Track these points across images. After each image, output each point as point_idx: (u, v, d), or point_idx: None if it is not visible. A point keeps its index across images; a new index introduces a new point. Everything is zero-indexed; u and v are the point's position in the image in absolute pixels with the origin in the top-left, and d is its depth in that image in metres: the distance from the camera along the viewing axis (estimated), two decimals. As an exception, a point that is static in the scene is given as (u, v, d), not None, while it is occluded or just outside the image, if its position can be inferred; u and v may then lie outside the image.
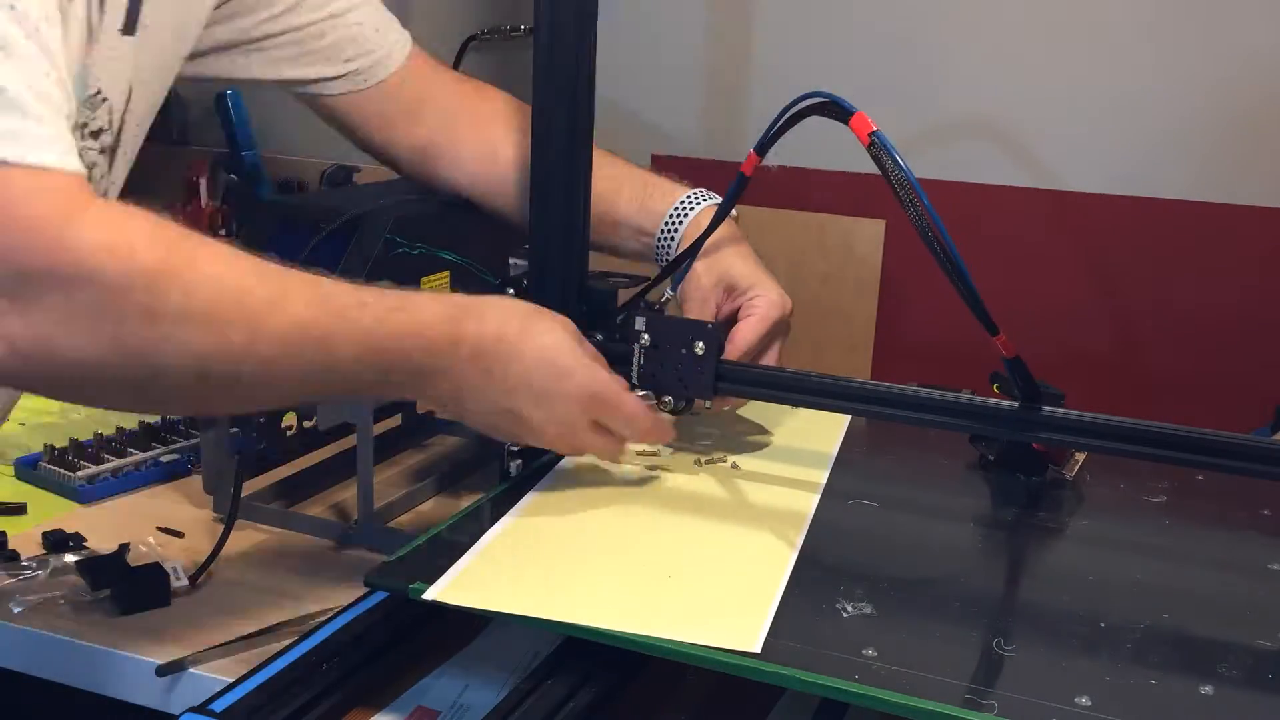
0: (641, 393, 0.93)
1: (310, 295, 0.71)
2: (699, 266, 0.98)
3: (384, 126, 1.09)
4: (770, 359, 0.99)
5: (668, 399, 0.94)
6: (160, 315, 0.64)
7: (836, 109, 0.81)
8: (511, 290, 0.99)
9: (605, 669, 0.74)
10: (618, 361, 0.93)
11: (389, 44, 1.08)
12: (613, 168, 1.06)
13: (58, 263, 0.61)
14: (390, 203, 1.10)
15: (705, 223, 0.97)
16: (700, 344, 0.91)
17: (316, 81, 1.05)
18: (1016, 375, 0.82)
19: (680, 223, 1.02)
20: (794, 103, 0.85)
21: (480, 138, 1.09)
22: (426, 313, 0.78)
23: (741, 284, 0.98)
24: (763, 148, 0.88)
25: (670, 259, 1.01)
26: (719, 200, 1.04)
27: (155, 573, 0.94)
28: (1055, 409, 0.84)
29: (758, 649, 0.68)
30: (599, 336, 0.98)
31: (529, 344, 0.82)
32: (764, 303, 0.97)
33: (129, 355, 0.65)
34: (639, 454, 0.98)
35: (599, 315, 0.99)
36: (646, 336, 0.93)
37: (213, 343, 0.67)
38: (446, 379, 0.79)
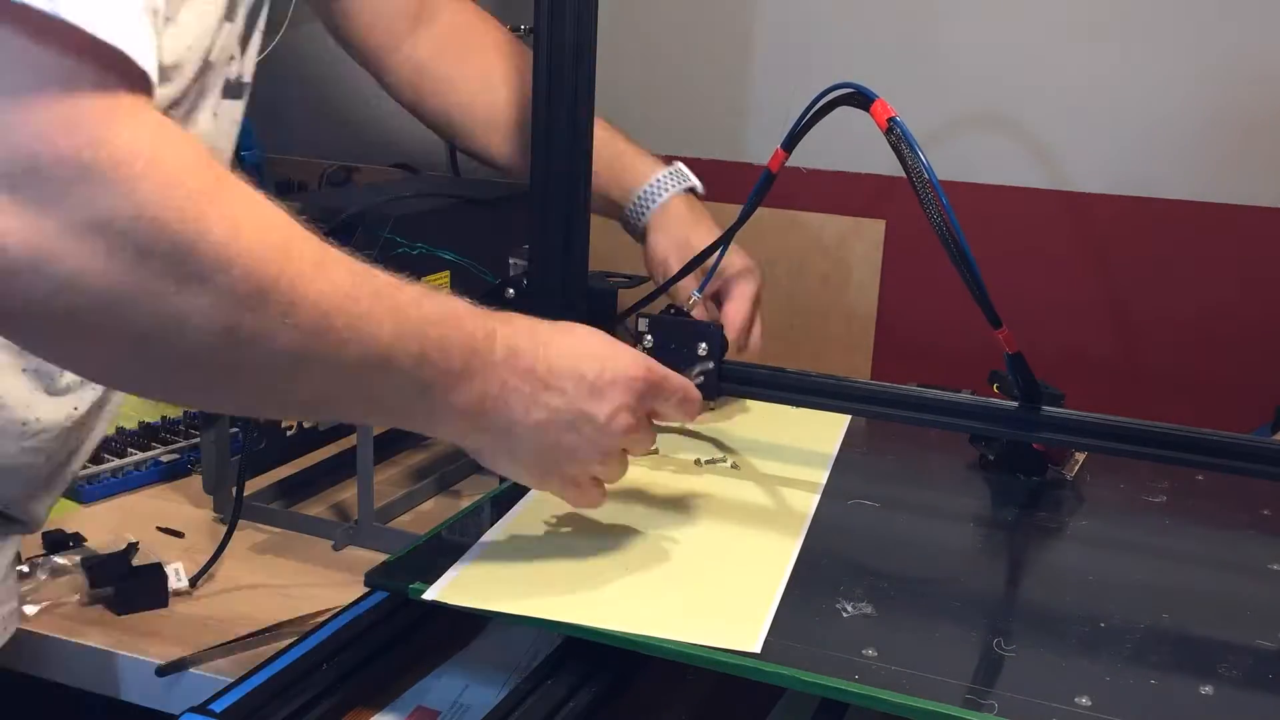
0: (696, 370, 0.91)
1: (350, 264, 0.62)
2: (669, 251, 0.98)
3: (387, 42, 1.05)
4: (757, 329, 1.03)
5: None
6: (197, 250, 0.53)
7: (860, 97, 0.82)
8: (511, 290, 0.99)
9: (605, 669, 0.74)
10: None
11: None
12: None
13: (90, 159, 0.50)
14: (390, 203, 1.11)
15: (675, 211, 0.98)
16: (703, 345, 0.91)
17: None
18: (1017, 372, 0.82)
19: (648, 208, 1.03)
20: (820, 96, 0.85)
21: (477, 67, 1.05)
22: (458, 301, 0.69)
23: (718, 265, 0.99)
24: (790, 143, 0.88)
25: (638, 234, 1.03)
26: (691, 183, 1.06)
27: (153, 573, 0.94)
28: (1055, 409, 0.84)
29: (758, 649, 0.68)
30: None
31: (565, 336, 0.73)
32: (742, 282, 1.00)
33: (146, 292, 0.52)
34: (639, 454, 0.98)
35: (599, 315, 0.99)
36: (650, 337, 0.93)
37: (251, 296, 0.55)
38: (488, 381, 0.69)
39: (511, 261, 1.03)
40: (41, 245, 0.50)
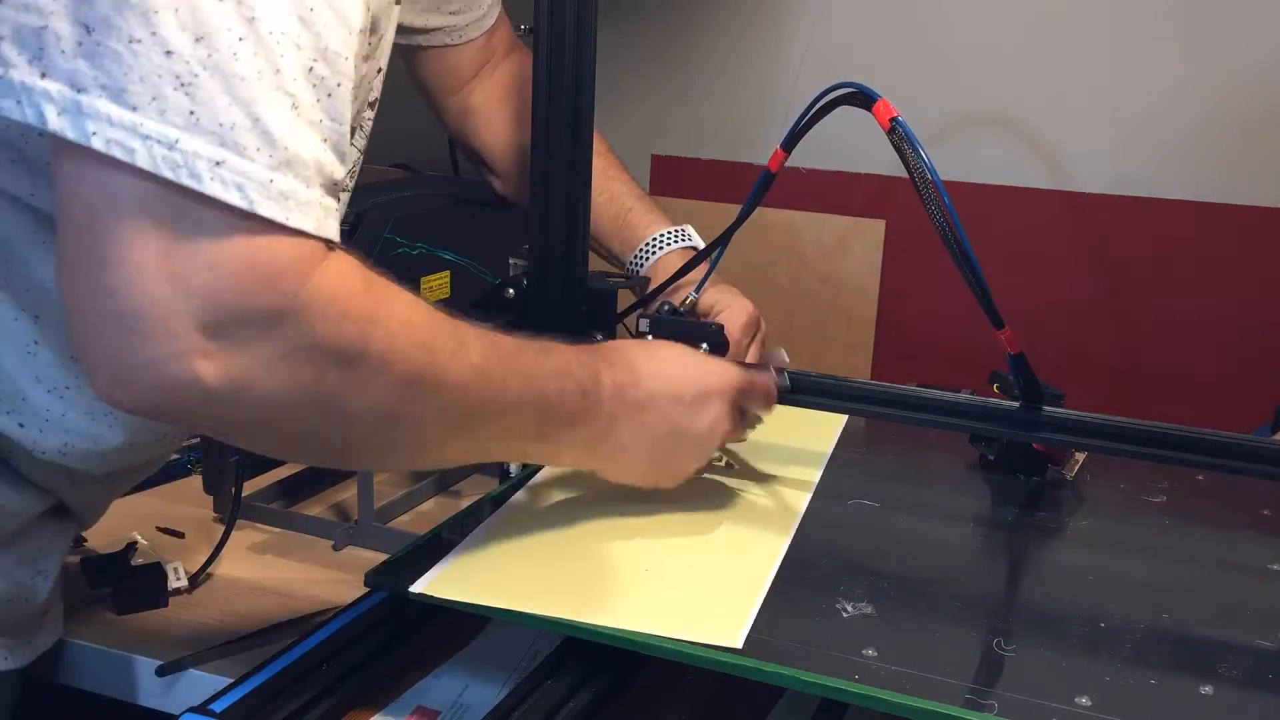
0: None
1: (482, 343, 0.71)
2: (682, 294, 1.00)
3: (451, 85, 1.10)
4: (752, 357, 1.03)
5: None
6: (362, 364, 0.62)
7: (862, 97, 0.82)
8: (511, 290, 0.99)
9: (605, 669, 0.74)
10: None
11: (488, 3, 1.08)
12: (610, 181, 1.08)
13: (281, 309, 0.58)
14: (390, 202, 1.10)
15: (673, 264, 1.00)
16: (704, 346, 0.91)
17: (421, 31, 1.04)
18: (1019, 372, 0.82)
19: (646, 260, 1.05)
20: (821, 95, 0.85)
21: (515, 109, 1.09)
22: (567, 352, 0.78)
23: (705, 306, 1.02)
24: (790, 143, 0.89)
25: (645, 279, 1.04)
26: (694, 243, 1.07)
27: (153, 573, 0.94)
28: (1056, 409, 0.84)
29: (739, 645, 0.68)
30: (599, 336, 0.98)
31: (658, 362, 0.82)
32: (729, 315, 1.01)
33: (323, 402, 0.62)
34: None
35: (599, 315, 0.99)
36: (650, 338, 0.93)
37: (405, 390, 0.65)
38: (599, 418, 0.78)
39: (511, 261, 1.04)
40: (239, 379, 0.58)
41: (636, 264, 1.06)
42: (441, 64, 1.08)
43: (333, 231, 0.60)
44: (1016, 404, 0.85)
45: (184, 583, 0.95)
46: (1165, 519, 0.92)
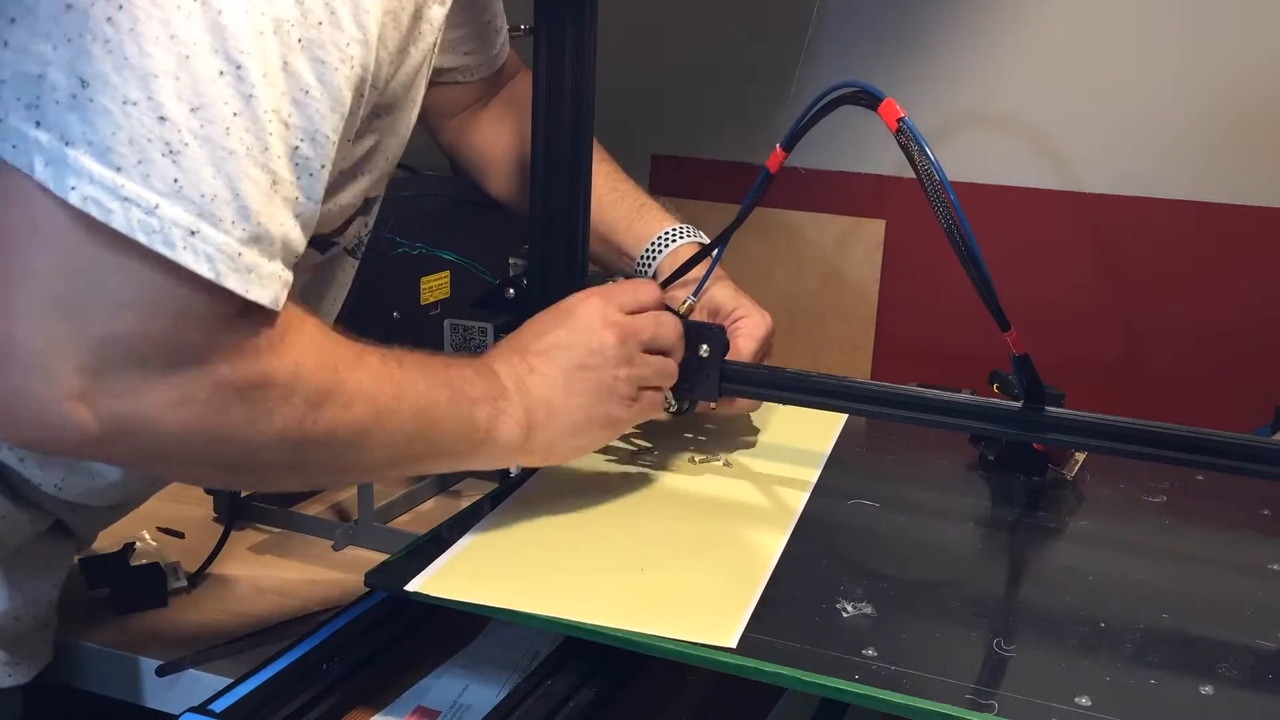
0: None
1: (417, 393, 0.72)
2: (682, 293, 0.99)
3: (454, 111, 1.09)
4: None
5: (671, 401, 0.94)
6: (311, 437, 0.65)
7: (867, 97, 0.81)
8: (511, 290, 0.99)
9: (605, 669, 0.74)
10: None
11: (500, 43, 1.08)
12: (618, 182, 1.08)
13: (244, 373, 0.61)
14: (390, 202, 1.10)
15: (683, 258, 0.99)
16: (705, 346, 0.91)
17: (436, 71, 1.03)
18: (1022, 373, 0.82)
19: (658, 254, 1.04)
20: (824, 94, 0.84)
21: (514, 123, 1.09)
22: (462, 364, 0.80)
23: (726, 307, 1.00)
24: (790, 143, 0.88)
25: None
26: (702, 239, 1.06)
27: (152, 573, 0.94)
28: (1057, 409, 0.84)
29: (733, 644, 0.68)
30: None
31: (526, 326, 0.84)
32: (750, 322, 0.99)
33: (227, 437, 0.63)
34: (634, 452, 0.98)
35: None
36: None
37: (353, 453, 0.69)
38: (509, 378, 0.79)
39: (511, 261, 1.04)
40: (126, 424, 0.59)
41: (647, 259, 1.05)
42: (449, 94, 1.07)
43: (280, 302, 0.61)
44: (1018, 404, 0.85)
45: (184, 583, 0.95)
46: (1165, 519, 0.92)
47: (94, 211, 0.54)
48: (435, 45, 0.75)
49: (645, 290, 0.88)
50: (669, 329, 0.88)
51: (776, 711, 0.75)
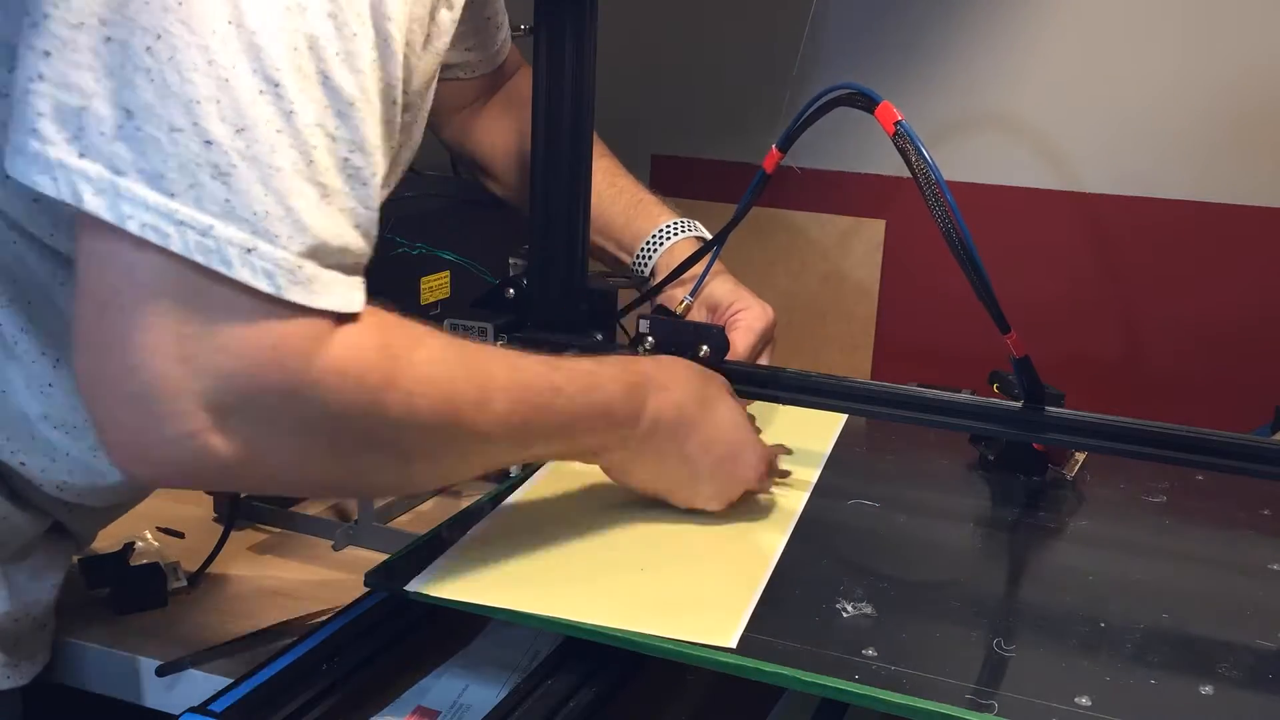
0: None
1: (511, 387, 0.71)
2: (680, 292, 0.99)
3: (456, 107, 1.10)
4: (762, 361, 1.01)
5: None
6: (377, 430, 0.64)
7: (863, 99, 0.82)
8: (511, 290, 0.99)
9: (605, 669, 0.74)
10: None
11: (501, 39, 1.08)
12: (617, 177, 1.07)
13: (293, 387, 0.60)
14: (390, 202, 1.10)
15: (681, 253, 0.99)
16: (705, 347, 0.91)
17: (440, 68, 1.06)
18: (1023, 374, 0.82)
19: (657, 249, 1.04)
20: (819, 95, 0.85)
21: (515, 120, 1.09)
22: (613, 391, 0.79)
23: (725, 301, 1.00)
24: (785, 143, 0.88)
25: (645, 278, 1.04)
26: (702, 234, 1.06)
27: (152, 573, 0.94)
28: (1057, 409, 0.84)
29: (733, 645, 0.68)
30: (599, 336, 0.98)
31: (708, 419, 0.83)
32: (749, 315, 0.99)
33: (338, 464, 0.65)
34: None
35: (599, 315, 0.99)
36: (651, 339, 0.93)
37: (424, 451, 0.68)
38: (623, 448, 0.81)
39: (511, 261, 1.04)
40: (253, 453, 0.60)
41: (645, 255, 1.05)
42: (450, 90, 1.07)
43: (357, 303, 0.62)
44: (1018, 404, 0.85)
45: (184, 583, 0.95)
46: (1165, 519, 0.92)
47: (152, 237, 0.55)
48: (444, 49, 0.75)
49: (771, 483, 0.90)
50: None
51: (776, 711, 0.75)
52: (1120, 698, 0.65)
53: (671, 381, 0.82)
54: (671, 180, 1.54)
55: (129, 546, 0.97)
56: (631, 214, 1.06)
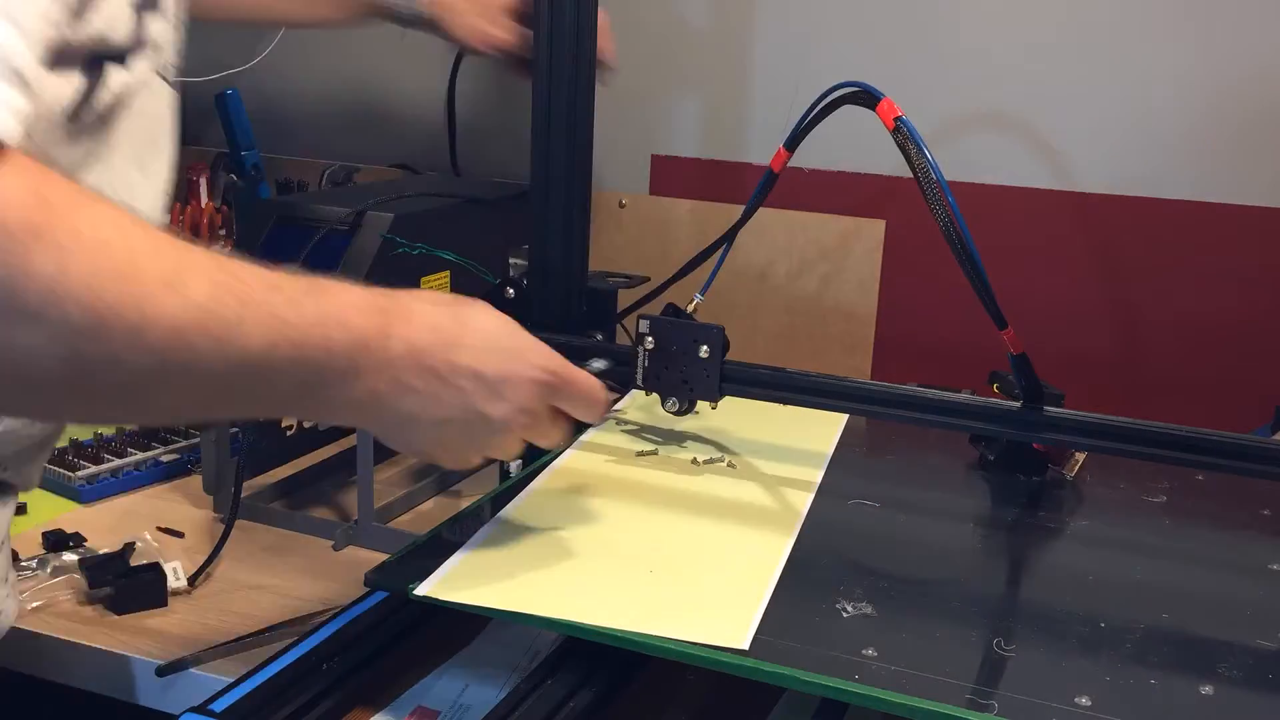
0: (596, 367, 0.88)
1: (213, 274, 0.58)
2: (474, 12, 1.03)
3: None
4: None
5: (672, 400, 0.94)
6: (22, 290, 0.51)
7: (866, 95, 0.82)
8: (511, 290, 0.99)
9: (605, 669, 0.74)
10: (621, 362, 0.93)
11: None
12: None
13: None
14: (390, 202, 1.11)
15: None
16: (705, 347, 0.91)
17: None
18: (1021, 372, 0.82)
19: None
20: (825, 94, 0.85)
21: None
22: (349, 295, 0.66)
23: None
24: (793, 143, 0.89)
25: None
26: None
27: (153, 573, 0.94)
28: (1057, 409, 0.84)
29: (746, 646, 0.68)
30: (599, 336, 0.98)
31: (469, 330, 0.71)
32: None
33: None
34: (638, 454, 0.98)
35: (599, 315, 0.99)
36: (650, 339, 0.93)
37: (90, 326, 0.54)
38: (381, 378, 0.66)
39: (511, 261, 1.04)
40: None
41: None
42: None
43: (9, 130, 0.52)
44: (1018, 404, 0.85)
45: (183, 583, 0.95)
46: (1165, 519, 0.92)
47: None
48: None
49: (590, 411, 0.78)
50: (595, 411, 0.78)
51: (776, 711, 0.75)
52: (1120, 698, 0.65)
53: (413, 302, 0.70)
54: (671, 180, 1.55)
55: (129, 546, 0.97)
56: None
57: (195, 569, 0.97)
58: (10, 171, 0.52)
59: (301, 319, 0.62)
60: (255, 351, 0.60)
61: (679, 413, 0.95)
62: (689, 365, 0.90)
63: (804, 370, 0.91)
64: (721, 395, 0.92)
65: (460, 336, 0.70)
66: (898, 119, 0.79)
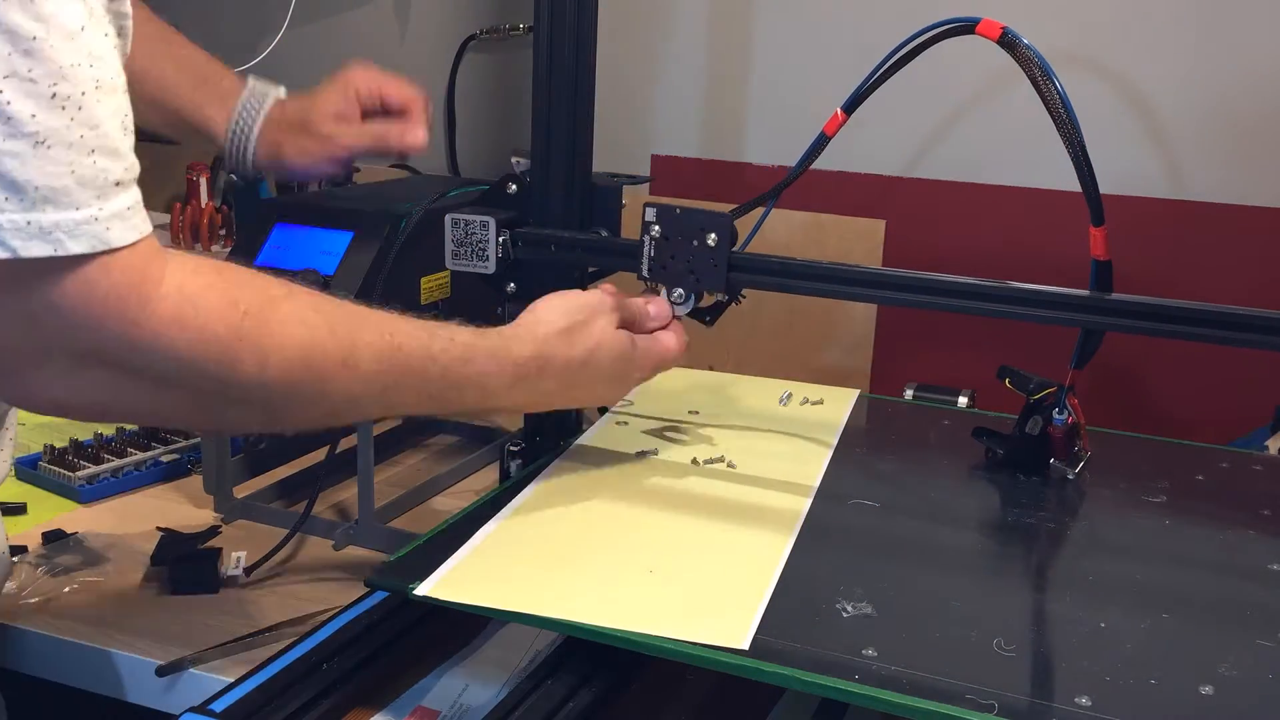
0: (672, 300, 0.92)
1: (380, 348, 0.72)
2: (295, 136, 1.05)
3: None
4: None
5: (679, 291, 0.91)
6: (234, 383, 0.64)
7: (962, 26, 0.84)
8: (514, 186, 0.97)
9: (605, 669, 0.74)
10: (626, 253, 0.92)
11: None
12: (178, 46, 1.06)
13: (130, 340, 0.60)
14: (390, 202, 1.11)
15: (279, 114, 1.05)
16: (712, 235, 0.88)
17: None
18: (1100, 279, 0.85)
19: (258, 111, 1.06)
20: (911, 37, 0.87)
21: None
22: (487, 365, 0.79)
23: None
24: (852, 105, 0.89)
25: (240, 151, 1.07)
26: (279, 92, 1.07)
27: (209, 558, 0.94)
28: (1120, 295, 0.86)
29: (746, 646, 0.68)
30: (603, 232, 0.96)
31: (539, 310, 0.84)
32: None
33: (200, 409, 0.66)
34: (638, 454, 0.98)
35: (603, 213, 0.98)
36: (657, 228, 0.90)
37: (283, 403, 0.68)
38: (508, 400, 0.82)
39: (514, 160, 1.01)
40: (114, 398, 0.63)
41: (245, 120, 1.05)
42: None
43: (136, 230, 0.60)
44: (1086, 292, 0.86)
45: (239, 571, 0.96)
46: (1165, 519, 0.92)
47: None
48: None
49: (661, 313, 0.91)
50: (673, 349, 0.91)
51: (776, 711, 0.75)
52: (1120, 698, 0.65)
53: (547, 363, 0.83)
54: (671, 180, 1.55)
55: (214, 530, 0.97)
56: (211, 83, 1.06)
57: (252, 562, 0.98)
58: (207, 286, 0.63)
59: (448, 387, 0.77)
60: (405, 406, 0.77)
61: (684, 304, 0.91)
62: (696, 255, 0.88)
63: (813, 260, 0.89)
64: (729, 285, 0.89)
65: (577, 379, 0.85)
66: (1005, 30, 0.82)
